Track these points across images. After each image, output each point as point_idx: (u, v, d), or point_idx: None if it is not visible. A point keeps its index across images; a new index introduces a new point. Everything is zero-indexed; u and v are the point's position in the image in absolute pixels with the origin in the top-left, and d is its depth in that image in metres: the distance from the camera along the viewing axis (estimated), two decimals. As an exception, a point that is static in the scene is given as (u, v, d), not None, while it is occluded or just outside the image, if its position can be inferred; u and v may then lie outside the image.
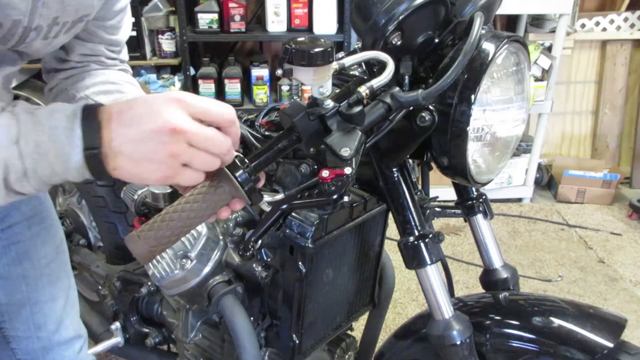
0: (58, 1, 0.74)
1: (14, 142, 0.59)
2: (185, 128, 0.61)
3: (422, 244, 0.94)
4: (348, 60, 0.82)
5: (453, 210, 1.11)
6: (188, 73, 3.14)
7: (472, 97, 0.84)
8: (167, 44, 3.16)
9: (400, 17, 0.82)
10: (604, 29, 3.31)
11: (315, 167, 0.96)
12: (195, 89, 3.16)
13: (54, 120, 0.61)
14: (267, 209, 0.81)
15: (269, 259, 1.06)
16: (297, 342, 1.09)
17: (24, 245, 0.98)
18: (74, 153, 0.60)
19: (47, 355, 1.04)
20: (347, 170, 0.76)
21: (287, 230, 1.01)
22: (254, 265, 1.09)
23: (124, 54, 1.00)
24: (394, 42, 0.84)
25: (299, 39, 0.73)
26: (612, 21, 3.29)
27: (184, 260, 1.12)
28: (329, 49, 0.72)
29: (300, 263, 1.01)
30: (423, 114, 0.86)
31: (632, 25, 3.31)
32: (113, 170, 0.62)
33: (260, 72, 3.20)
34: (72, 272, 1.11)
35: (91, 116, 0.61)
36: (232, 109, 0.66)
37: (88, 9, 0.81)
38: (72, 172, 0.61)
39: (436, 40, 0.90)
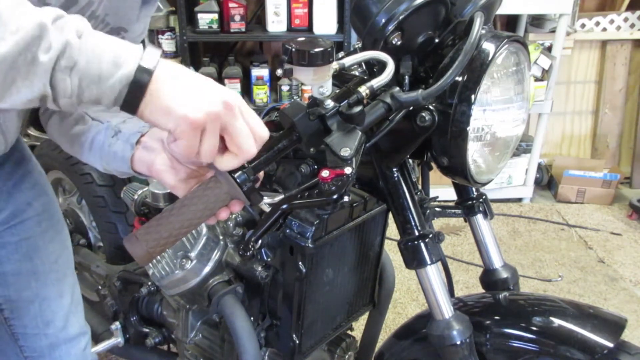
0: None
1: (77, 35, 0.59)
2: (236, 111, 0.65)
3: (422, 244, 0.94)
4: (348, 60, 0.82)
5: (453, 210, 1.11)
6: (188, 73, 3.13)
7: (472, 97, 0.84)
8: (167, 44, 3.16)
9: (400, 17, 0.82)
10: (604, 29, 3.31)
11: (315, 167, 0.96)
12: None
13: (117, 40, 0.63)
14: (267, 209, 0.81)
15: (269, 259, 1.06)
16: (297, 342, 1.09)
17: (34, 241, 0.99)
18: (128, 65, 0.61)
19: (54, 353, 1.04)
20: (347, 170, 0.76)
21: (287, 230, 1.01)
22: (254, 265, 1.09)
23: None
24: (394, 42, 0.84)
25: (299, 39, 0.73)
26: (612, 21, 3.29)
27: (184, 260, 1.12)
28: (329, 49, 0.72)
29: (300, 263, 1.01)
30: (423, 114, 0.86)
31: (632, 25, 3.31)
32: (151, 93, 0.62)
33: (260, 72, 3.20)
34: (74, 270, 1.12)
35: (157, 49, 0.64)
36: (254, 149, 0.68)
37: (128, 23, 0.85)
38: (114, 86, 0.61)
39: (436, 40, 0.90)
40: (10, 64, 0.57)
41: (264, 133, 0.69)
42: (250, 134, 0.67)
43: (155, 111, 0.63)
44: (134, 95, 0.62)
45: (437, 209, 1.08)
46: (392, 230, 1.06)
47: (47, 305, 1.02)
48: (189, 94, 0.63)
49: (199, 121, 0.63)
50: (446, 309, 0.96)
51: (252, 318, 1.12)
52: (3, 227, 0.95)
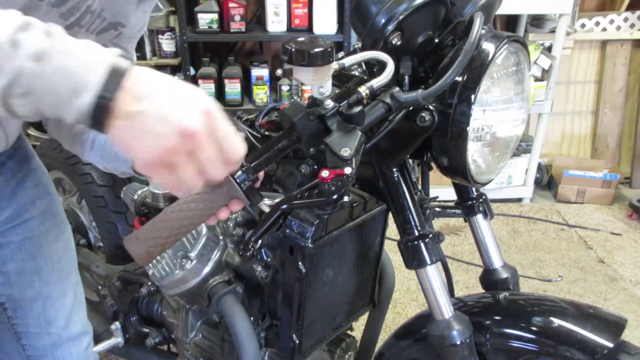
0: None
1: (36, 59, 0.56)
2: (198, 138, 0.59)
3: (422, 244, 0.94)
4: (348, 60, 0.82)
5: (453, 210, 1.11)
6: (188, 73, 3.14)
7: (472, 97, 0.84)
8: (167, 44, 3.16)
9: (400, 17, 0.82)
10: (604, 29, 3.31)
11: (315, 167, 0.96)
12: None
13: (84, 57, 0.58)
14: (267, 209, 0.81)
15: (269, 259, 1.06)
16: (297, 342, 1.09)
17: (37, 240, 1.00)
18: (87, 94, 0.57)
19: (56, 352, 1.05)
20: (347, 170, 0.75)
21: (287, 230, 1.01)
22: (254, 265, 1.09)
23: None
24: (393, 42, 0.84)
25: (299, 39, 0.73)
26: (612, 21, 3.29)
27: (184, 260, 1.12)
28: (329, 49, 0.72)
29: (300, 263, 1.01)
30: (423, 114, 0.86)
31: (632, 25, 3.31)
32: (108, 128, 0.59)
33: (260, 72, 3.20)
34: (78, 270, 1.12)
35: (120, 73, 0.59)
36: (242, 152, 0.64)
37: (125, 18, 0.84)
38: (71, 111, 0.58)
39: (436, 40, 0.89)
40: None
41: (236, 155, 0.64)
42: (213, 161, 0.62)
43: (121, 148, 0.60)
44: (96, 117, 0.58)
45: (437, 209, 1.08)
46: (392, 230, 1.06)
47: (50, 304, 1.02)
48: (143, 134, 0.59)
49: (140, 160, 0.60)
50: (446, 309, 0.96)
51: (252, 318, 1.12)
52: (6, 226, 0.96)
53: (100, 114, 0.58)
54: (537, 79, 3.02)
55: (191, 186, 0.63)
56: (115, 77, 0.58)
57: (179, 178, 0.62)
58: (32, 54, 0.56)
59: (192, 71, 3.17)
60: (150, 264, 1.15)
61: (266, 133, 1.05)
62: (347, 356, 1.30)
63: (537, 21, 3.26)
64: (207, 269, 1.13)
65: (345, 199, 0.78)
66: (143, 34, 3.21)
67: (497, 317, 1.00)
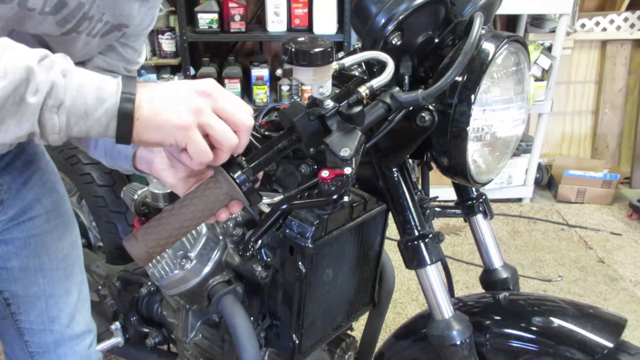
0: None
1: (62, 74, 0.62)
2: (213, 93, 0.67)
3: (422, 244, 0.94)
4: (348, 60, 0.82)
5: (453, 210, 1.11)
6: (188, 73, 3.14)
7: (472, 97, 0.84)
8: (167, 44, 3.16)
9: (400, 17, 0.82)
10: (604, 29, 3.31)
11: (315, 167, 0.96)
12: (195, 89, 3.17)
13: (97, 75, 0.66)
14: (266, 210, 0.81)
15: (269, 259, 1.06)
16: (297, 342, 1.09)
17: (42, 238, 1.00)
18: (111, 98, 0.64)
19: (59, 349, 1.05)
20: (347, 171, 0.75)
21: (287, 231, 1.01)
22: (254, 265, 1.09)
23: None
24: (393, 42, 0.84)
25: (299, 39, 0.73)
26: (612, 21, 3.29)
27: (184, 260, 1.12)
28: (329, 49, 0.72)
29: (300, 263, 1.01)
30: (423, 114, 0.86)
31: (632, 25, 3.31)
32: (136, 120, 0.64)
33: (260, 72, 3.20)
34: (84, 268, 1.12)
35: (130, 78, 0.67)
36: (251, 119, 0.70)
37: (129, 19, 0.86)
38: (101, 119, 0.64)
39: (436, 40, 0.90)
40: None
41: (248, 123, 0.70)
42: (226, 133, 0.68)
43: (149, 132, 0.65)
44: (124, 124, 0.64)
45: (437, 209, 1.08)
46: (392, 230, 1.06)
47: (54, 302, 1.03)
48: (168, 104, 0.66)
49: (188, 122, 0.65)
50: (446, 309, 0.96)
51: (252, 318, 1.12)
52: (12, 223, 0.97)
53: (127, 111, 0.64)
54: (537, 79, 3.02)
55: (231, 144, 0.68)
56: (128, 80, 0.66)
57: (217, 135, 0.67)
58: (60, 71, 0.62)
59: (192, 71, 3.17)
60: (150, 264, 1.15)
61: (266, 133, 1.05)
62: (347, 356, 1.30)
63: (537, 21, 3.27)
64: (207, 269, 1.13)
65: (345, 199, 0.77)
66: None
67: (497, 317, 1.00)
